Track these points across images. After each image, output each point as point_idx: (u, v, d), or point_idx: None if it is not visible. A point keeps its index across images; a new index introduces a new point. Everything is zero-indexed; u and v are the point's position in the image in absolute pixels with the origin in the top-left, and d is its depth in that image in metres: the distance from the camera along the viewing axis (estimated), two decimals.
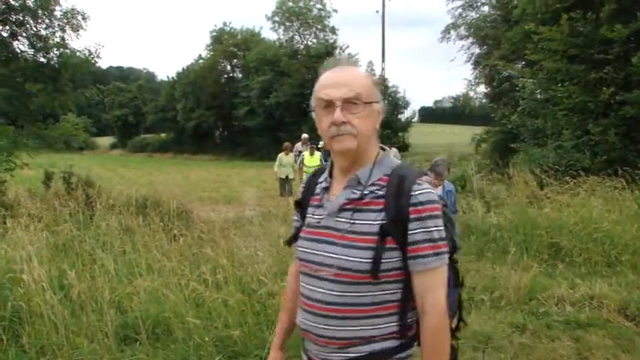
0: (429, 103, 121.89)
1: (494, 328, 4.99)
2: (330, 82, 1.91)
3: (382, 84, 32.59)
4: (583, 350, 4.67)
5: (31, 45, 13.32)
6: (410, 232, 1.73)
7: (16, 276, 4.68)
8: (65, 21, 13.52)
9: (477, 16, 27.17)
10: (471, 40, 27.28)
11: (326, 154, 13.02)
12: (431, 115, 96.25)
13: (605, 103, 12.90)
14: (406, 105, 35.50)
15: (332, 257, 1.77)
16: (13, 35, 13.17)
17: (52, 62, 13.51)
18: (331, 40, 45.11)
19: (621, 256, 6.98)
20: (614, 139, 12.33)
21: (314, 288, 1.82)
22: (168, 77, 62.21)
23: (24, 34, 13.22)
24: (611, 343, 4.75)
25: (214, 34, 53.02)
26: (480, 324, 5.06)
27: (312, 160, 12.91)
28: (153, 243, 6.08)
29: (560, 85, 13.92)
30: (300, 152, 14.18)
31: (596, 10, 13.10)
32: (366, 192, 1.79)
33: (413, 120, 38.22)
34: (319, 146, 13.00)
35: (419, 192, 1.75)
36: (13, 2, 12.85)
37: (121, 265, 5.53)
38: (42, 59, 13.53)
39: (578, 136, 12.79)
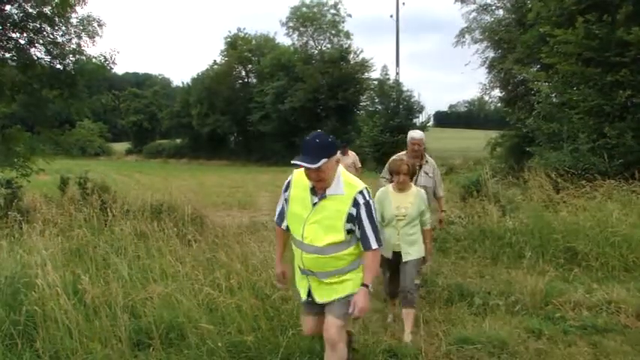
0: (444, 108, 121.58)
1: (510, 333, 4.94)
2: None
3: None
4: (600, 356, 4.62)
5: (48, 52, 13.43)
6: None
7: (31, 281, 4.71)
8: (81, 28, 13.62)
9: (492, 19, 27.01)
10: (485, 43, 27.12)
11: None
12: (446, 119, 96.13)
13: (621, 105, 12.75)
14: (421, 109, 35.34)
15: None
16: (31, 42, 13.29)
17: (68, 69, 13.61)
18: (345, 45, 45.19)
19: (639, 260, 6.89)
20: (631, 142, 12.19)
21: None
22: (183, 83, 62.78)
23: (41, 41, 13.33)
24: (629, 349, 4.68)
25: (229, 39, 53.35)
26: (495, 329, 5.01)
27: None
28: (167, 248, 6.09)
29: (575, 88, 13.77)
30: None
31: (612, 12, 12.97)
32: None
33: (428, 124, 38.02)
34: None
35: None
36: (30, 10, 12.98)
37: (135, 270, 5.55)
38: (58, 66, 13.64)
39: (594, 139, 12.64)
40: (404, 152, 6.42)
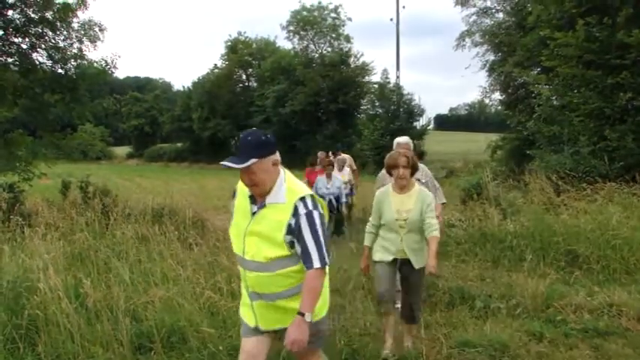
0: (445, 111, 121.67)
1: (511, 336, 4.94)
2: None
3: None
4: (602, 359, 4.62)
5: (50, 56, 13.49)
6: None
7: (33, 285, 4.73)
8: (83, 32, 13.69)
9: (492, 22, 27.06)
10: (485, 47, 27.17)
11: None
12: (446, 122, 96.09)
13: (622, 108, 12.77)
14: (421, 113, 35.36)
15: None
16: (33, 47, 13.35)
17: (69, 73, 13.67)
18: (346, 49, 45.16)
19: None
20: (632, 144, 12.20)
21: None
22: (184, 87, 62.86)
23: (43, 46, 13.38)
24: (631, 352, 4.68)
25: (229, 43, 53.32)
26: (496, 332, 5.01)
27: None
28: (168, 252, 6.12)
29: (576, 90, 13.79)
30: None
31: (612, 15, 12.99)
32: None
33: (428, 128, 38.04)
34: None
35: None
36: (32, 15, 13.03)
37: (137, 274, 5.56)
38: (60, 70, 13.70)
39: (594, 142, 12.66)
40: None
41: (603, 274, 6.80)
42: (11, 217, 7.71)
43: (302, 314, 2.86)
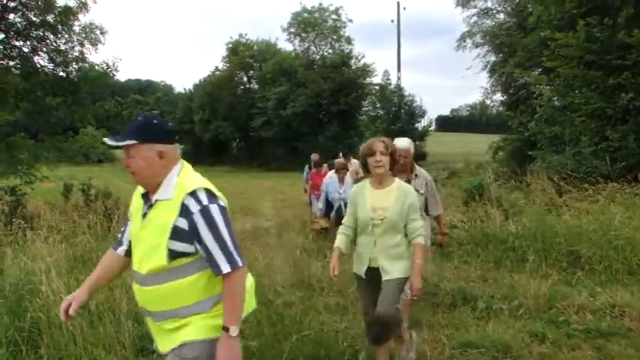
0: (446, 112, 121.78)
1: (514, 337, 4.93)
2: None
3: None
4: (604, 359, 4.61)
5: (51, 59, 13.55)
6: None
7: (35, 287, 4.73)
8: (84, 35, 13.78)
9: (493, 23, 27.11)
10: (486, 48, 27.21)
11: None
12: (448, 123, 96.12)
13: (623, 108, 12.76)
14: (422, 114, 35.45)
15: None
16: (34, 50, 13.42)
17: (71, 76, 13.73)
18: (347, 50, 45.22)
19: None
20: (634, 144, 12.19)
21: None
22: (185, 89, 62.90)
23: (44, 49, 13.46)
24: (634, 353, 4.67)
25: (230, 45, 53.35)
26: (498, 333, 5.00)
27: None
28: None
29: (577, 91, 13.79)
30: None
31: (613, 15, 12.99)
32: None
33: (430, 129, 38.10)
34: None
35: None
36: (34, 18, 13.08)
37: None
38: (61, 73, 13.78)
39: (596, 142, 12.65)
40: None
41: (605, 275, 6.79)
42: (13, 220, 7.73)
43: (226, 329, 2.45)
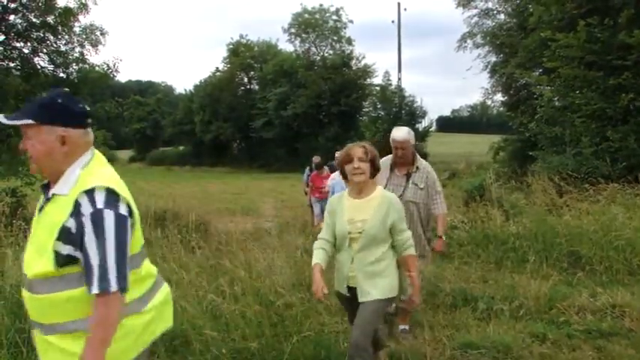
0: (447, 113, 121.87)
1: (514, 338, 4.93)
2: None
3: None
4: None
5: (51, 61, 13.57)
6: None
7: None
8: (84, 37, 13.79)
9: (493, 24, 27.12)
10: (487, 48, 27.21)
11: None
12: (449, 124, 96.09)
13: (624, 109, 12.77)
14: (423, 114, 35.51)
15: None
16: (34, 51, 13.43)
17: (71, 77, 13.74)
18: (347, 51, 45.29)
19: None
20: (634, 145, 12.20)
21: None
22: (185, 90, 63.14)
23: (44, 50, 13.47)
24: (634, 353, 4.66)
25: (231, 46, 53.50)
26: (499, 334, 5.00)
27: None
28: (171, 255, 6.12)
29: (578, 91, 13.80)
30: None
31: (614, 16, 13.00)
32: None
33: (431, 129, 38.14)
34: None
35: None
36: (34, 19, 13.09)
37: None
38: (62, 74, 13.78)
39: (597, 142, 12.65)
40: (389, 157, 5.09)
41: (606, 275, 6.79)
42: (14, 221, 7.71)
43: None
